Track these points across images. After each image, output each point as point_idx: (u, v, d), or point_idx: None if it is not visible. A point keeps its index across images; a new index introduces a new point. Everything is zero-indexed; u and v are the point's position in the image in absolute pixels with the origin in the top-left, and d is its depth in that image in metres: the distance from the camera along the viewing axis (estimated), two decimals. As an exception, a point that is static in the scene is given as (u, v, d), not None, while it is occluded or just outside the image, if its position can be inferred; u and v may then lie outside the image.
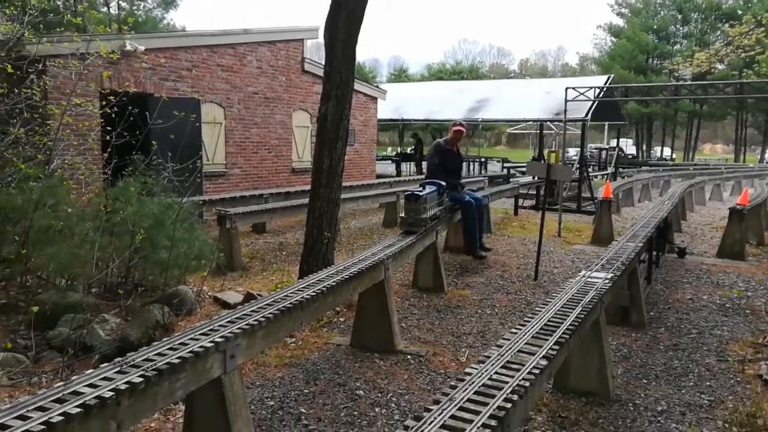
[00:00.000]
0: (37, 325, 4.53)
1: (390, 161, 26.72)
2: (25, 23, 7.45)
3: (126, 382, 2.31)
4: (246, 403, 3.10)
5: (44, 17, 8.28)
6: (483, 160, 27.58)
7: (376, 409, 3.90)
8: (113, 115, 6.85)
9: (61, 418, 2.01)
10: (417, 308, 6.17)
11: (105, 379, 2.32)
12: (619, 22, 48.26)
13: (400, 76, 59.63)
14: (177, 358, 2.57)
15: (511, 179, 17.40)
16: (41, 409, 2.04)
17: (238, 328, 2.99)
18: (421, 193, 6.20)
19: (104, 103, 6.99)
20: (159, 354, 2.61)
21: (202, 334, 2.91)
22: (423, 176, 18.02)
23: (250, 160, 12.71)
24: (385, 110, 19.87)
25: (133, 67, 9.80)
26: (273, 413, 3.80)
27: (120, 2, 35.67)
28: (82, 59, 7.40)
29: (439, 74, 54.19)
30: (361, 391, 4.15)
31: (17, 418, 1.98)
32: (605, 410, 3.93)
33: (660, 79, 38.46)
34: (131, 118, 6.70)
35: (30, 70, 6.58)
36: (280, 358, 4.70)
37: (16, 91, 6.38)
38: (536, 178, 13.48)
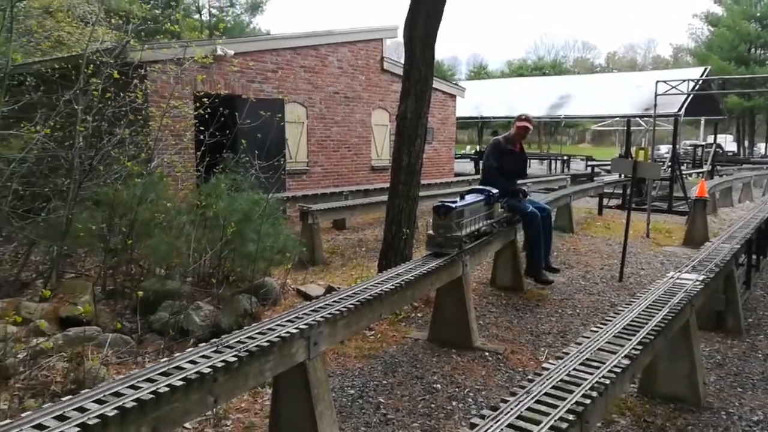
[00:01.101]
0: (141, 309, 4.93)
1: (468, 159, 26.51)
2: (129, 32, 8.10)
3: (222, 361, 2.50)
4: (328, 388, 3.24)
5: (145, 26, 8.95)
6: (566, 158, 26.73)
7: (453, 403, 3.94)
8: (206, 116, 7.29)
9: (167, 389, 2.22)
10: (495, 306, 6.13)
11: (204, 357, 2.52)
12: (717, 10, 45.09)
13: (479, 73, 58.86)
14: (266, 341, 2.75)
15: (595, 178, 16.77)
16: (150, 380, 2.26)
17: (321, 317, 3.14)
18: (453, 205, 4.78)
19: (198, 104, 7.46)
20: (249, 337, 2.80)
21: (287, 321, 3.08)
22: None
23: (331, 158, 13.07)
24: (464, 108, 19.72)
25: (224, 70, 10.35)
26: (353, 401, 3.94)
27: (211, 9, 37.61)
28: (178, 64, 7.93)
29: (519, 70, 52.99)
30: (438, 385, 4.21)
31: (130, 387, 2.21)
32: (695, 417, 3.76)
33: (764, 71, 35.61)
34: (222, 119, 7.11)
35: (133, 75, 7.15)
36: (359, 349, 4.85)
37: (122, 94, 6.95)
38: (622, 176, 12.93)
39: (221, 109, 7.18)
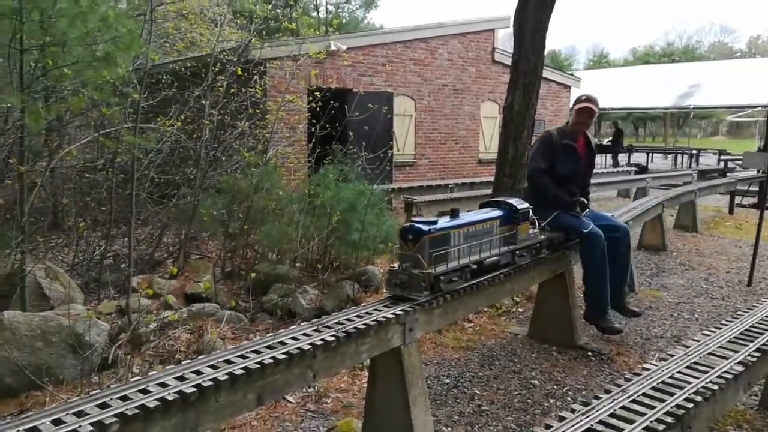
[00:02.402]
0: (254, 290, 5.31)
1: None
2: (252, 31, 8.66)
3: (321, 339, 2.66)
4: (422, 375, 3.31)
5: (266, 25, 9.53)
6: (694, 152, 24.63)
7: (551, 400, 3.86)
8: (317, 109, 7.63)
9: (270, 361, 2.41)
10: (602, 305, 5.87)
11: (305, 335, 2.70)
12: None
13: (599, 62, 55.76)
14: (363, 324, 2.87)
15: (728, 173, 15.33)
16: (256, 352, 2.47)
17: (417, 305, 3.21)
18: (426, 227, 3.16)
19: (310, 98, 7.82)
20: (348, 319, 2.93)
21: (385, 306, 3.18)
22: (619, 168, 16.63)
23: (438, 151, 13.10)
24: (579, 99, 18.79)
25: (336, 64, 10.73)
26: (448, 390, 3.99)
27: (328, 6, 38.97)
28: (294, 60, 8.36)
29: (645, 58, 49.45)
30: (536, 381, 4.14)
31: (239, 356, 2.42)
32: (827, 439, 3.39)
33: None
34: (332, 112, 7.40)
35: (254, 71, 7.65)
36: (457, 340, 4.87)
37: (243, 90, 7.47)
38: (760, 172, 11.72)
39: (332, 102, 7.48)
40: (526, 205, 4.00)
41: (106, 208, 6.92)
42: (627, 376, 2.32)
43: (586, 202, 4.74)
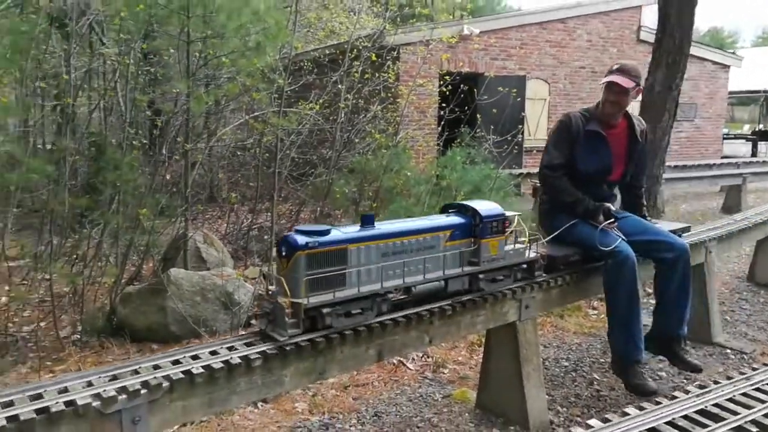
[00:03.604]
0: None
1: (744, 140, 22.70)
2: (386, 18, 8.97)
3: (438, 308, 2.82)
4: (538, 352, 3.36)
5: (401, 11, 9.80)
6: None
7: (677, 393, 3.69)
8: (447, 93, 7.74)
9: (390, 322, 2.62)
10: (749, 303, 5.39)
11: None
12: None
13: (769, 37, 49.30)
14: (478, 297, 2.98)
15: None
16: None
17: (535, 283, 3.25)
18: (303, 240, 2.35)
19: (441, 82, 7.95)
20: (468, 291, 3.05)
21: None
22: (739, 159, 14.46)
23: (572, 136, 12.58)
24: (743, 80, 16.96)
25: (468, 48, 10.72)
26: (566, 373, 3.97)
27: (463, -10, 38.60)
28: (426, 45, 8.53)
29: (829, 31, 42.79)
30: (663, 373, 3.97)
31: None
32: None
33: None
34: (461, 96, 7.47)
35: (387, 57, 7.95)
36: (579, 326, 4.79)
37: (377, 75, 7.80)
38: None
39: (461, 86, 7.55)
40: (498, 211, 2.92)
41: (253, 184, 7.66)
42: (754, 366, 2.20)
43: (612, 208, 3.42)
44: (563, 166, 3.50)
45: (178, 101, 6.60)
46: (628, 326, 3.32)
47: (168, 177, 7.55)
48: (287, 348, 2.32)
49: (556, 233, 3.43)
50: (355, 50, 7.58)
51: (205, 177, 8.25)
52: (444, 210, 3.04)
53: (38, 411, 1.81)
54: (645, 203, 3.88)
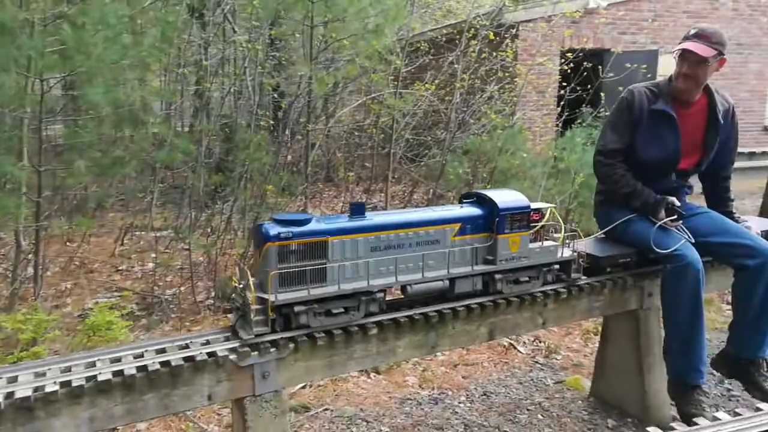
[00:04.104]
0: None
1: None
2: (506, -5, 8.71)
3: (553, 290, 2.77)
4: (661, 343, 3.17)
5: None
6: None
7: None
8: (569, 71, 7.40)
9: (503, 301, 2.62)
10: None
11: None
12: None
13: None
14: (597, 282, 2.88)
15: None
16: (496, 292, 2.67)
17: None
18: (273, 231, 2.16)
19: (562, 60, 7.61)
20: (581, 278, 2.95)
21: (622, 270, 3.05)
22: None
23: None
24: None
25: (593, 23, 10.12)
26: (691, 369, 3.72)
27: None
28: (548, 21, 8.19)
29: None
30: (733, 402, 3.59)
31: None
32: None
33: None
34: (584, 74, 7.11)
35: (506, 35, 7.74)
36: (711, 321, 4.44)
37: (494, 54, 7.63)
38: None
39: (585, 63, 7.18)
40: (522, 203, 2.57)
41: (369, 164, 7.88)
42: None
43: (676, 203, 2.87)
44: (620, 152, 2.99)
45: (300, 84, 6.93)
46: (688, 345, 2.78)
47: (289, 157, 7.99)
48: (401, 321, 2.41)
49: (605, 230, 3.05)
50: (473, 29, 7.46)
51: (323, 157, 8.61)
52: (463, 199, 2.70)
53: (186, 359, 2.04)
54: (732, 198, 3.23)
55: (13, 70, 4.11)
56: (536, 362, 3.84)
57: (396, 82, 6.69)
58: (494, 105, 7.40)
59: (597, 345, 3.83)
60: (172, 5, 5.74)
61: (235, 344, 2.14)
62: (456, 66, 7.15)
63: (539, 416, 3.19)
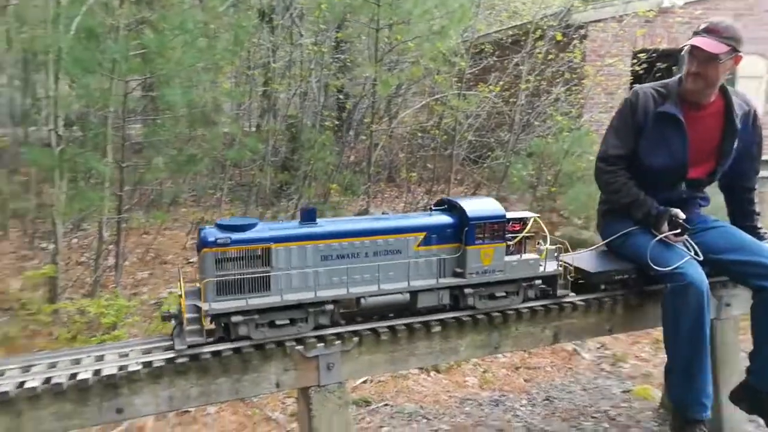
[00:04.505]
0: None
1: None
2: (575, -6, 8.51)
3: (622, 295, 2.69)
4: (738, 355, 3.02)
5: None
6: None
7: None
8: (641, 72, 7.15)
9: (569, 305, 2.58)
10: None
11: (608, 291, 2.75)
12: None
13: None
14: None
15: None
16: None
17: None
18: (211, 237, 2.04)
19: (634, 61, 7.36)
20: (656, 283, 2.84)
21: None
22: None
23: (795, 120, 10.80)
24: None
25: (668, 22, 9.71)
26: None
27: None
28: (619, 21, 7.94)
29: None
30: None
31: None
32: None
33: None
34: (658, 75, 6.85)
35: (574, 36, 7.56)
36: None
37: (561, 55, 7.48)
38: None
39: (657, 64, 6.92)
40: (496, 212, 2.33)
41: (431, 166, 7.89)
42: None
43: (680, 215, 2.58)
44: (623, 158, 2.74)
45: (365, 85, 7.03)
46: (689, 375, 2.50)
47: (352, 157, 8.12)
48: (464, 319, 2.41)
49: (602, 243, 2.81)
50: (539, 30, 7.34)
51: (386, 158, 8.69)
52: (435, 207, 2.49)
53: (255, 347, 2.13)
54: (757, 211, 2.90)
55: (99, 73, 4.39)
56: (602, 369, 3.74)
57: (460, 84, 6.67)
58: (560, 107, 7.25)
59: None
60: (245, 10, 5.97)
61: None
62: (521, 67, 7.06)
63: (605, 425, 3.10)
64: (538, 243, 2.54)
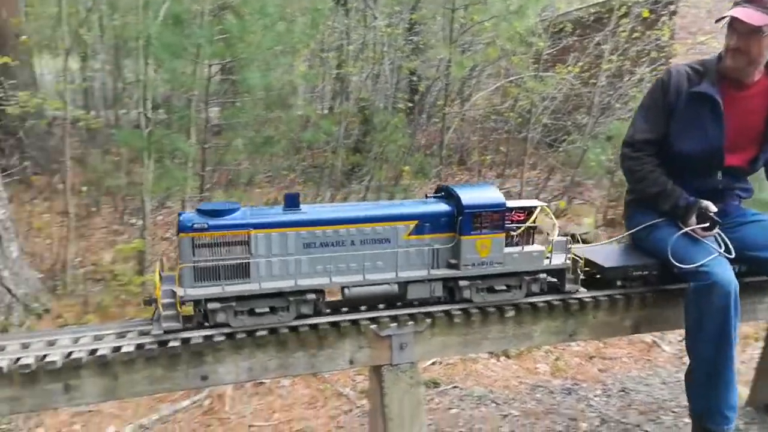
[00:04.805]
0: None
1: None
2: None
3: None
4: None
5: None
6: None
7: None
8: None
9: (650, 294, 2.47)
10: None
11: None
12: None
13: None
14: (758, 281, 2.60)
15: None
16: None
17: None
18: (188, 221, 2.01)
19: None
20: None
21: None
22: None
23: None
24: None
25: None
26: None
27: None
28: (714, -5, 7.41)
29: None
30: None
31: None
32: None
33: None
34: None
35: (662, 12, 7.13)
36: None
37: (647, 33, 7.07)
38: None
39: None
40: (495, 200, 2.19)
41: (503, 149, 7.73)
42: None
43: (711, 208, 2.36)
44: (651, 143, 2.49)
45: (439, 67, 6.96)
46: (712, 382, 2.30)
47: (423, 140, 8.09)
48: (539, 305, 2.36)
49: (623, 235, 2.60)
50: (624, 7, 6.97)
51: (458, 141, 8.59)
52: (434, 194, 2.36)
53: (331, 323, 2.18)
54: None
55: (184, 57, 4.59)
56: (684, 363, 3.56)
57: (536, 65, 6.47)
58: (644, 88, 6.87)
59: (758, 351, 3.48)
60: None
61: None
62: (603, 47, 6.74)
63: (685, 420, 2.96)
64: (547, 233, 2.38)
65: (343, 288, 2.12)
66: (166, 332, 1.97)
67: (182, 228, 1.99)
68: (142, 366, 2.02)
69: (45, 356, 1.92)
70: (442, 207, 2.22)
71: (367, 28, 7.34)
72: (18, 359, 1.89)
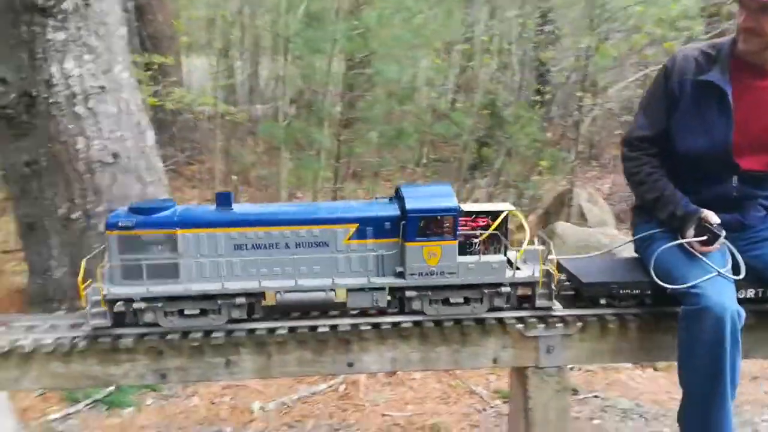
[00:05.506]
0: None
1: None
2: None
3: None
4: None
5: None
6: None
7: None
8: None
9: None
10: None
11: None
12: None
13: None
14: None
15: None
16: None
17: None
18: (114, 218, 1.95)
19: None
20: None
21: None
22: None
23: None
24: None
25: None
26: None
27: None
28: None
29: None
30: None
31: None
32: None
33: None
34: None
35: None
36: None
37: None
38: None
39: None
40: (446, 204, 1.96)
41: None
42: None
43: (714, 219, 2.00)
44: (651, 141, 2.15)
45: (578, 57, 6.62)
46: (704, 415, 1.94)
47: (554, 134, 7.74)
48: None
49: (614, 247, 2.39)
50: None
51: (595, 136, 8.13)
52: (396, 193, 2.12)
53: (475, 321, 2.13)
54: None
55: (322, 53, 4.75)
56: None
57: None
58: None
59: None
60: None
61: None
62: None
63: None
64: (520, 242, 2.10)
65: (275, 293, 2.01)
66: (95, 329, 1.97)
67: (108, 226, 1.95)
68: (294, 348, 2.10)
69: (210, 332, 2.05)
70: (387, 210, 2.03)
71: (498, 20, 7.14)
72: (187, 333, 2.02)
